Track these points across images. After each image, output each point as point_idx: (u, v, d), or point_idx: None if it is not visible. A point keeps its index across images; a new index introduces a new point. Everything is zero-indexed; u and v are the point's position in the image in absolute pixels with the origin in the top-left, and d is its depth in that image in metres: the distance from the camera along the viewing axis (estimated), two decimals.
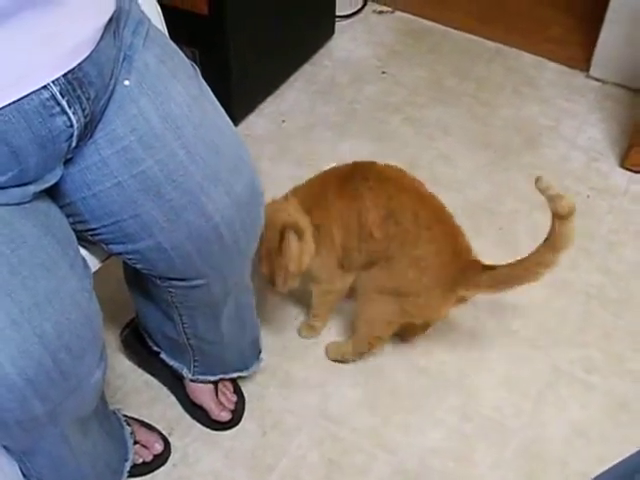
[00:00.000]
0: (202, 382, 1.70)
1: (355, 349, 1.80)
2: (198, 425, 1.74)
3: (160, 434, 1.69)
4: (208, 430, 1.74)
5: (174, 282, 1.35)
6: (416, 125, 2.49)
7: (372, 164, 1.64)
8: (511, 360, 1.88)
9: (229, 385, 1.74)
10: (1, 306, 1.03)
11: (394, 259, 1.58)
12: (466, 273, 1.58)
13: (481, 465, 1.68)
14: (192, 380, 1.69)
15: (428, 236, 1.56)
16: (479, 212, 2.21)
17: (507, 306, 1.96)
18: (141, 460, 1.63)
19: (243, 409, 1.76)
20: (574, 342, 1.92)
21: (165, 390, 1.81)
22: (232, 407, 1.74)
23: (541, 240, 1.48)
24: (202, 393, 1.72)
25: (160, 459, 1.67)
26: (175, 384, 1.76)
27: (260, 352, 1.72)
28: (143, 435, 1.65)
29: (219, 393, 1.73)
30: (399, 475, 1.67)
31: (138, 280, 1.48)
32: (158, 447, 1.67)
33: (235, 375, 1.72)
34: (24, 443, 1.25)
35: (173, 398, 1.79)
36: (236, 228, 1.30)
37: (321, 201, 1.62)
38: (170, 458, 1.68)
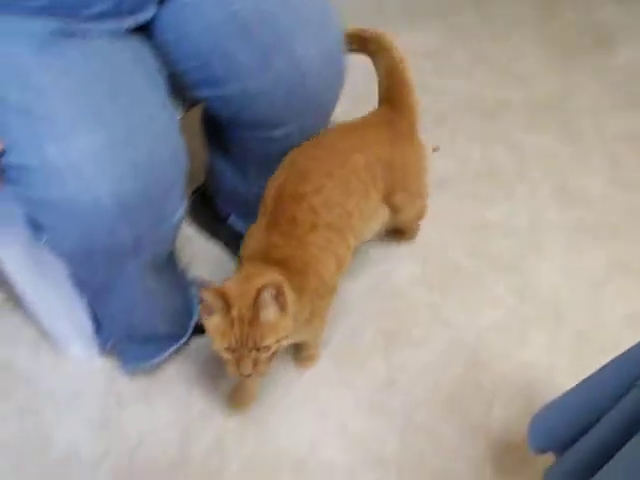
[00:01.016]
0: None
1: (417, 223, 1.83)
2: None
3: None
4: None
5: (255, 132, 1.37)
6: (485, 19, 2.46)
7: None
8: (571, 248, 1.89)
9: None
10: (98, 133, 1.07)
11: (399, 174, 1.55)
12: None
13: (534, 346, 1.71)
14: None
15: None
16: (544, 108, 2.18)
17: (571, 195, 1.95)
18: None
19: None
20: (636, 237, 1.92)
21: (226, 256, 1.84)
22: None
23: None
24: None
25: None
26: (239, 249, 1.78)
27: None
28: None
29: None
30: (455, 349, 1.70)
31: (218, 134, 1.50)
32: None
33: None
34: (105, 277, 1.29)
35: (234, 264, 1.81)
36: (321, 80, 1.31)
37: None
38: None
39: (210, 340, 1.28)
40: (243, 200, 1.59)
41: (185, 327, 1.59)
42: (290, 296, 1.28)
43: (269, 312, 1.23)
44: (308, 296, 1.36)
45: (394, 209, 1.58)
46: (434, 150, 2.07)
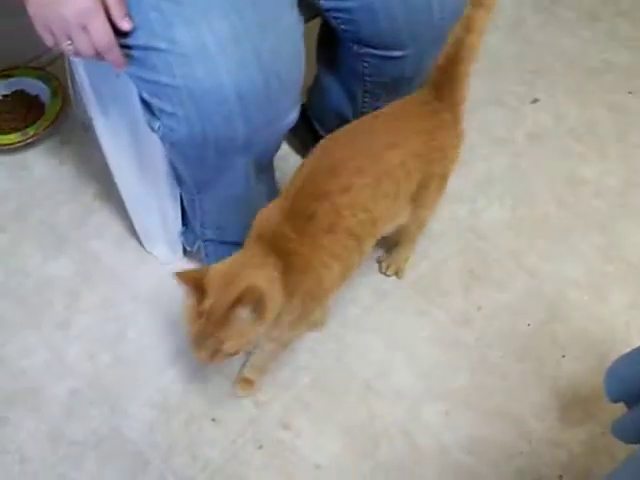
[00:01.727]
0: None
1: (415, 243, 1.68)
2: None
3: None
4: None
5: (372, 50, 1.38)
6: None
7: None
8: None
9: None
10: (228, 20, 1.08)
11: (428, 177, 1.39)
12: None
13: (614, 305, 1.70)
14: None
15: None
16: None
17: None
18: None
19: None
20: None
21: None
22: None
23: None
24: None
25: None
26: None
27: None
28: None
29: None
30: (534, 297, 1.70)
31: (331, 51, 1.50)
32: None
33: None
34: (209, 171, 1.32)
35: None
36: (446, 7, 1.32)
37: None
38: None
39: None
40: (343, 124, 1.60)
41: None
42: (275, 302, 1.19)
43: (242, 321, 1.15)
44: (300, 297, 1.26)
45: (419, 205, 1.43)
46: (533, 102, 2.04)
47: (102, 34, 1.08)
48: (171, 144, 1.22)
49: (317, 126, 1.73)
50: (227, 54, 1.10)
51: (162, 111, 1.17)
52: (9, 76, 2.01)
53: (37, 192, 1.86)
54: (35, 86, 2.01)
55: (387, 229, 1.42)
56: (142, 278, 1.70)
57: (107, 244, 1.76)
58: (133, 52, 1.14)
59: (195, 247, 1.62)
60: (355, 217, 1.26)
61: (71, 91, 1.86)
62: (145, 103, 1.20)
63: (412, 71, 1.43)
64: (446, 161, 1.39)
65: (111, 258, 1.72)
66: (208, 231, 1.53)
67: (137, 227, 1.68)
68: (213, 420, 1.51)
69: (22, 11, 1.10)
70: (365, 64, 1.42)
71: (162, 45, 1.10)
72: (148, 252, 1.73)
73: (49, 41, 1.12)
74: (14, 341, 1.60)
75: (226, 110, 1.13)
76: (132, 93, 1.27)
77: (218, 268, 1.19)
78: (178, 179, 1.42)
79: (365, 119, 1.36)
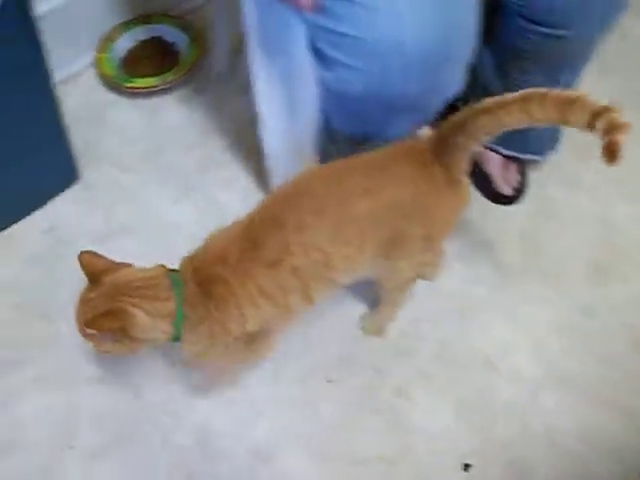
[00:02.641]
0: (494, 151, 1.72)
1: (395, 311, 1.57)
2: (476, 192, 1.78)
3: None
4: (485, 200, 1.77)
5: (538, 27, 1.37)
6: None
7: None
8: None
9: (516, 165, 1.75)
10: None
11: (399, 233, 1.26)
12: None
13: None
14: (486, 147, 1.71)
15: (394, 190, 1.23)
16: None
17: None
18: None
19: (524, 192, 1.77)
20: None
21: None
22: (515, 185, 1.75)
23: None
24: (492, 162, 1.74)
25: None
26: None
27: (558, 142, 1.70)
28: None
29: (509, 168, 1.74)
30: None
31: (492, 22, 1.48)
32: None
33: (528, 157, 1.73)
34: (372, 126, 1.33)
35: None
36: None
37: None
38: None
39: None
40: None
41: None
42: (146, 332, 1.16)
43: (98, 337, 1.15)
44: (209, 328, 1.20)
45: (394, 262, 1.32)
46: None
47: None
48: (340, 96, 1.22)
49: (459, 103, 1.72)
50: (414, 12, 1.10)
51: (338, 62, 1.18)
52: (147, 22, 2.04)
53: (168, 138, 1.89)
54: (172, 34, 2.03)
55: (347, 279, 1.31)
56: None
57: (233, 196, 1.77)
58: (323, 2, 1.15)
59: None
60: (307, 257, 1.18)
61: (213, 41, 1.90)
62: (319, 53, 1.20)
63: (572, 54, 1.42)
64: (430, 222, 1.27)
65: (236, 210, 1.72)
66: None
67: (271, 173, 1.67)
68: (329, 381, 1.52)
69: None
70: (527, 40, 1.40)
71: None
72: None
73: None
74: None
75: (405, 67, 1.14)
76: (297, 43, 1.27)
77: (128, 272, 1.17)
78: (331, 135, 1.41)
79: (351, 159, 1.25)
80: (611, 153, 0.97)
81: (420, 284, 1.52)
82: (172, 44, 2.02)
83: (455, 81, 1.24)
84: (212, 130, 1.90)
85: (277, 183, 1.66)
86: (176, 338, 1.19)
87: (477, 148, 1.16)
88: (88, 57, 1.98)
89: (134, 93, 1.93)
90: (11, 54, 1.38)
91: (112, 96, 1.96)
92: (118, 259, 1.22)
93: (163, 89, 1.93)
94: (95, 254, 1.17)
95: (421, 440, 1.45)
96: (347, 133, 1.38)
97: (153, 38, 2.04)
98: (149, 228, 1.71)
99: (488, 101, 1.09)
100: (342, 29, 1.15)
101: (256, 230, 1.18)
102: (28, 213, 1.72)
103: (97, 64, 1.95)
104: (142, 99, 1.94)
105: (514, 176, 1.74)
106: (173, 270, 1.20)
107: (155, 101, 1.95)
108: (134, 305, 1.11)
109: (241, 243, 1.18)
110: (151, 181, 1.80)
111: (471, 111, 1.11)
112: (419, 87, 1.18)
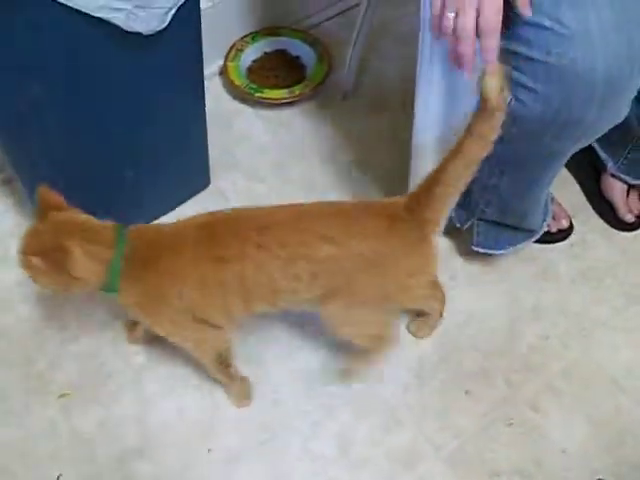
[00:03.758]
0: (620, 180, 1.77)
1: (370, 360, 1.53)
2: (598, 219, 1.83)
3: (567, 213, 1.77)
4: (607, 226, 1.82)
5: None
6: None
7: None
8: None
9: (638, 193, 1.80)
10: (613, 9, 1.14)
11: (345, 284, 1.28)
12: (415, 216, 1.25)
13: None
14: (612, 175, 1.74)
15: (357, 243, 1.25)
16: None
17: None
18: (546, 229, 1.71)
19: None
20: None
21: (571, 178, 1.88)
22: (637, 212, 1.80)
23: None
24: (615, 190, 1.79)
25: (562, 234, 1.79)
26: (589, 175, 1.84)
27: None
28: (555, 207, 1.74)
29: (630, 195, 1.79)
30: None
31: None
32: (564, 223, 1.78)
33: None
34: (538, 149, 1.35)
35: (578, 187, 1.88)
36: None
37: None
38: (569, 238, 1.79)
39: None
40: (624, 138, 1.63)
41: (539, 226, 1.63)
42: (82, 277, 1.21)
43: (36, 269, 1.20)
44: (145, 290, 1.28)
45: (346, 314, 1.35)
46: None
47: (493, 16, 1.11)
48: (514, 118, 1.26)
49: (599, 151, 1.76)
50: (606, 41, 1.14)
51: (520, 85, 1.22)
52: (274, 35, 2.10)
53: (295, 149, 1.94)
54: (298, 47, 2.09)
55: (294, 307, 1.36)
56: None
57: None
58: (506, 23, 1.18)
59: (466, 225, 1.66)
60: (256, 274, 1.24)
61: (343, 59, 1.98)
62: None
63: None
64: (389, 281, 1.31)
65: None
66: (490, 211, 1.58)
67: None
68: (466, 392, 1.55)
69: None
70: None
71: (546, 23, 1.15)
72: None
73: (436, 8, 1.16)
74: None
75: (588, 94, 1.17)
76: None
77: (79, 215, 1.25)
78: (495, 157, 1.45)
79: (328, 203, 1.33)
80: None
81: (549, 301, 1.62)
82: (297, 57, 2.07)
83: (626, 107, 1.26)
84: (337, 145, 1.95)
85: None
86: (110, 289, 1.25)
87: (454, 198, 1.21)
88: (215, 65, 2.05)
89: (260, 103, 1.98)
90: (176, 53, 1.43)
91: (237, 104, 2.02)
92: None
93: (290, 102, 1.97)
94: (52, 191, 1.23)
95: (555, 455, 1.49)
96: (505, 156, 1.40)
97: (278, 51, 2.09)
98: None
99: (452, 145, 1.14)
100: (532, 54, 1.18)
101: (220, 225, 1.25)
102: (159, 215, 1.76)
103: (225, 72, 2.00)
104: (266, 110, 1.99)
105: (636, 204, 1.77)
106: (123, 227, 1.26)
107: (279, 113, 2.01)
108: (75, 243, 1.17)
109: (200, 230, 1.25)
110: (279, 192, 1.85)
111: (442, 159, 1.17)
112: (597, 114, 1.21)
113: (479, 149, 1.15)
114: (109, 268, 1.22)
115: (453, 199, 1.23)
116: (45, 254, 1.16)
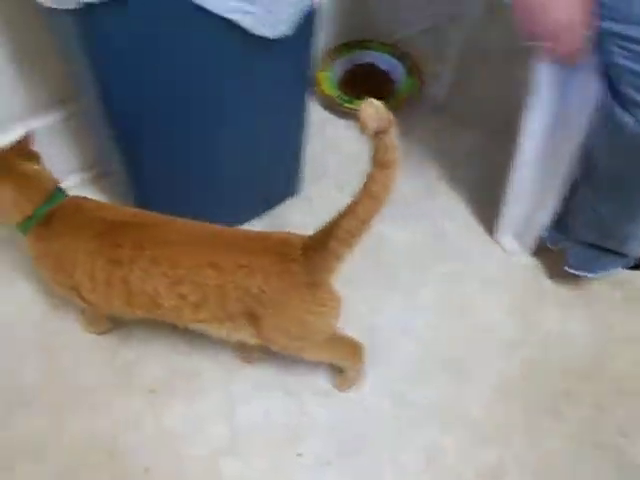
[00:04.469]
0: None
1: (353, 377, 1.56)
2: None
3: None
4: None
5: None
6: None
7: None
8: None
9: None
10: None
11: (237, 312, 1.32)
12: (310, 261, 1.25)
13: None
14: None
15: (244, 275, 1.27)
16: None
17: None
18: None
19: None
20: None
21: None
22: None
23: None
24: None
25: None
26: None
27: None
28: None
29: None
30: None
31: None
32: None
33: None
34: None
35: None
36: None
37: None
38: None
39: None
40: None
41: (637, 251, 1.63)
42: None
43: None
44: (46, 251, 1.39)
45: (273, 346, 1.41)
46: None
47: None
48: (633, 137, 1.26)
49: None
50: None
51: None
52: (363, 47, 2.12)
53: None
54: (387, 62, 2.11)
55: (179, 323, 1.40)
56: (486, 262, 1.78)
57: (453, 224, 1.85)
58: (630, 45, 1.20)
59: (558, 245, 1.66)
60: (141, 283, 1.29)
61: (433, 74, 2.00)
62: (620, 96, 1.25)
63: None
64: (282, 317, 1.32)
65: (457, 238, 1.81)
66: (587, 233, 1.58)
67: (505, 212, 1.72)
68: (553, 413, 1.56)
69: None
70: None
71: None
72: (493, 241, 1.81)
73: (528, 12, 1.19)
74: (368, 298, 1.69)
75: None
76: (578, 87, 1.34)
77: (33, 166, 1.37)
78: (586, 176, 1.47)
79: (230, 230, 1.37)
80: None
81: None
82: (386, 72, 2.09)
83: None
84: (425, 159, 1.96)
85: (507, 225, 1.74)
86: (22, 230, 1.37)
87: (348, 252, 1.20)
88: None
89: (350, 114, 2.00)
90: (292, 59, 1.47)
91: (327, 114, 2.04)
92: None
93: None
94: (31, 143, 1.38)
95: None
96: (614, 178, 1.42)
97: (367, 64, 2.11)
98: (380, 250, 1.77)
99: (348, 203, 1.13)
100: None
101: (129, 227, 1.32)
102: (247, 219, 1.79)
103: (316, 82, 2.02)
104: (355, 121, 1.99)
105: None
106: (63, 191, 1.39)
107: None
108: (13, 178, 1.32)
109: (111, 225, 1.32)
110: None
111: (337, 215, 1.15)
112: None
113: (371, 208, 1.12)
114: (30, 212, 1.33)
115: (347, 252, 1.20)
116: None
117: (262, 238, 1.30)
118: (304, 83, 1.58)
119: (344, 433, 1.51)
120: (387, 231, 1.80)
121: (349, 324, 1.46)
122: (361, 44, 2.12)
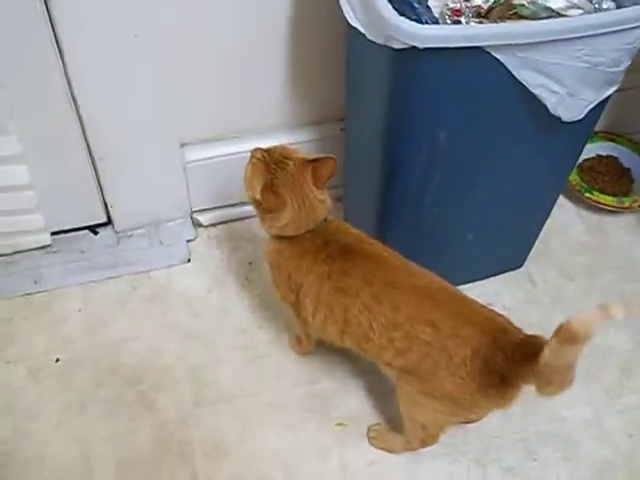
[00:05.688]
0: None
1: (405, 447, 1.54)
2: None
3: None
4: None
5: None
6: None
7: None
8: None
9: None
10: None
11: (424, 371, 1.31)
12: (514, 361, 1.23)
13: None
14: None
15: (455, 344, 1.26)
16: None
17: None
18: None
19: None
20: None
21: None
22: None
23: None
24: None
25: None
26: None
27: None
28: None
29: None
30: None
31: None
32: None
33: None
34: None
35: None
36: None
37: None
38: None
39: None
40: None
41: None
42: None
43: None
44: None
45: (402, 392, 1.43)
46: None
47: None
48: None
49: None
50: None
51: None
52: (609, 140, 2.09)
53: (609, 257, 1.93)
54: (630, 159, 2.08)
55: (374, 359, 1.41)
56: None
57: None
58: None
59: None
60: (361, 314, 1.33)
61: None
62: None
63: None
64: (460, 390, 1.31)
65: None
66: None
67: None
68: None
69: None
70: None
71: None
72: None
73: None
74: None
75: None
76: None
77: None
78: None
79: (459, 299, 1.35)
80: None
81: None
82: (628, 169, 2.06)
83: None
84: None
85: None
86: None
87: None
88: None
89: (584, 203, 1.99)
90: (570, 143, 1.50)
91: (561, 197, 1.98)
92: None
93: (614, 210, 1.96)
94: None
95: None
96: None
97: (610, 156, 2.08)
98: None
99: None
100: None
101: (362, 257, 1.36)
102: (467, 281, 1.76)
103: None
104: (588, 211, 1.97)
105: None
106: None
107: (601, 218, 2.00)
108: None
109: (340, 251, 1.37)
110: (585, 295, 1.84)
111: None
112: None
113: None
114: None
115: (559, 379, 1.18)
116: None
117: (488, 318, 1.29)
118: (572, 165, 1.59)
119: None
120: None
121: None
122: (609, 136, 2.10)
